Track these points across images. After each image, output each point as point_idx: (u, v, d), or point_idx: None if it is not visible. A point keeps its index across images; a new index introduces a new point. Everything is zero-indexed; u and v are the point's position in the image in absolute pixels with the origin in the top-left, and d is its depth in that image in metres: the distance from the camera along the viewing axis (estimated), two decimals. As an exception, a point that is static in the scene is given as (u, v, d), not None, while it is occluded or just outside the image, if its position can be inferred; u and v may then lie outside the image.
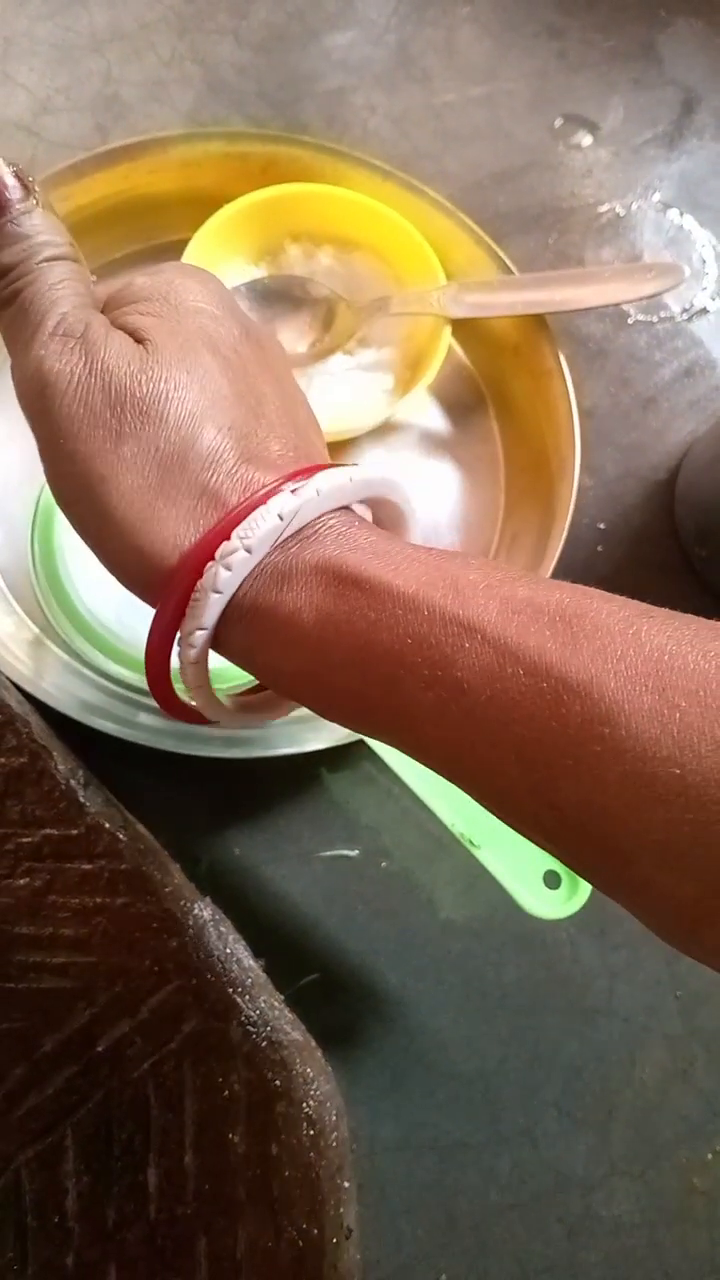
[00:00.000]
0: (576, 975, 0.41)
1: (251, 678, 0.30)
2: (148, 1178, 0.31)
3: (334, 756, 0.42)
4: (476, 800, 0.23)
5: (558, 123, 0.55)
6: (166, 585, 0.23)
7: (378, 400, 0.45)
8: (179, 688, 0.26)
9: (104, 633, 0.38)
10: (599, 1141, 0.39)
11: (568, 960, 0.41)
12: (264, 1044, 0.33)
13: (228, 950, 0.34)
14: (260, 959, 0.36)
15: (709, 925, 0.19)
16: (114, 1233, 0.31)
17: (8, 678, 0.37)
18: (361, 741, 0.38)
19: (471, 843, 0.37)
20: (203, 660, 0.24)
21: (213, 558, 0.22)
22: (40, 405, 0.24)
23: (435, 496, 0.46)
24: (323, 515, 0.24)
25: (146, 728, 0.38)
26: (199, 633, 0.23)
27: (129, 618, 0.39)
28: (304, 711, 0.41)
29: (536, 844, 0.22)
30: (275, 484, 0.23)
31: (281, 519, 0.22)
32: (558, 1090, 0.40)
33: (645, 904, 0.20)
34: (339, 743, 0.39)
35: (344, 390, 0.44)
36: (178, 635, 0.24)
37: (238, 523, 0.22)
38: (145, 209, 0.46)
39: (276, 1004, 0.34)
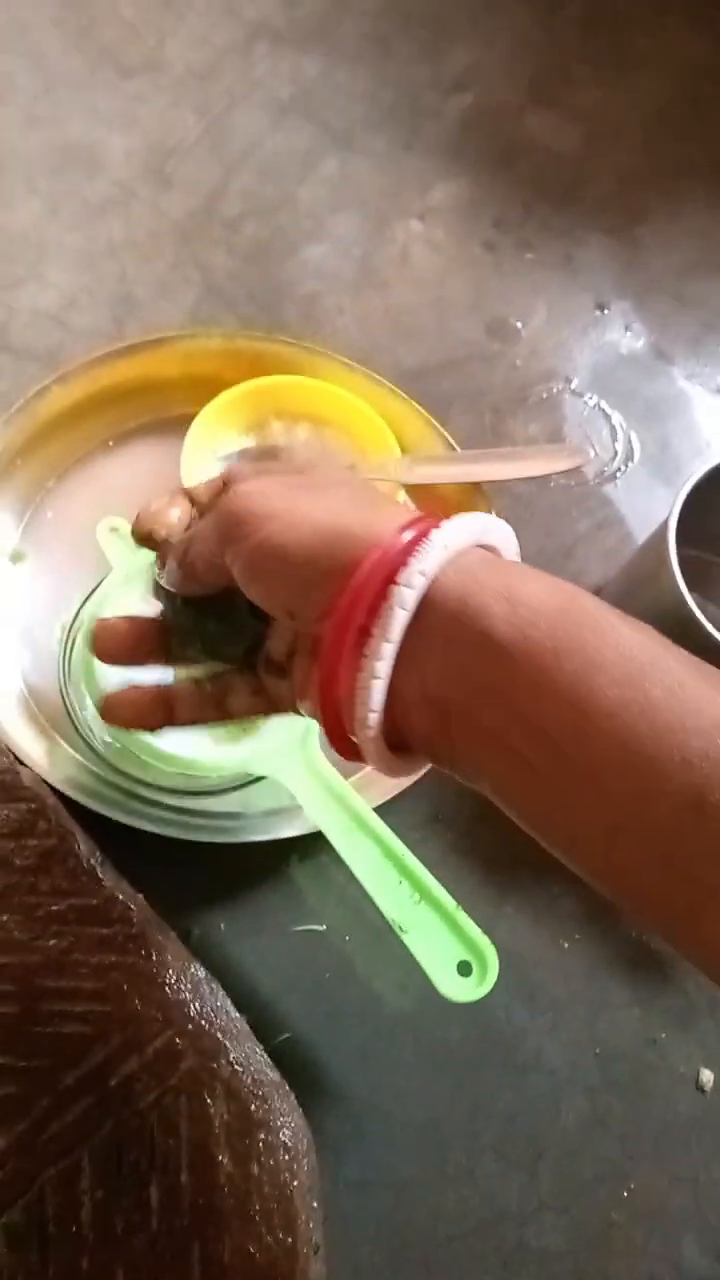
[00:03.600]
0: (510, 1035, 0.48)
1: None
2: (150, 1193, 0.37)
3: (304, 845, 0.50)
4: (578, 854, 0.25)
5: (492, 322, 0.67)
6: (358, 567, 0.26)
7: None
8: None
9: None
10: (530, 1180, 0.46)
11: (502, 1022, 0.48)
12: (248, 1081, 0.40)
13: (218, 1003, 0.41)
14: (243, 1015, 0.42)
15: None
16: (122, 1239, 0.37)
17: (37, 774, 0.44)
18: (321, 834, 0.45)
19: (400, 929, 0.42)
20: (385, 681, 0.26)
21: (396, 581, 0.25)
22: (241, 521, 0.29)
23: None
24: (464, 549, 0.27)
25: (150, 817, 0.46)
26: (386, 645, 0.25)
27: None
28: (279, 802, 0.49)
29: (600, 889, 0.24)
30: (427, 526, 0.27)
31: (446, 549, 0.26)
32: (495, 1135, 0.46)
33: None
34: (307, 832, 0.47)
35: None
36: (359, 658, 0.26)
37: (410, 554, 0.25)
38: (154, 389, 0.56)
39: (258, 1050, 0.41)
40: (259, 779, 0.48)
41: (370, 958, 0.49)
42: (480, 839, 0.51)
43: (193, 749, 0.47)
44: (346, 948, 0.49)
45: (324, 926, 0.49)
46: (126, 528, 0.42)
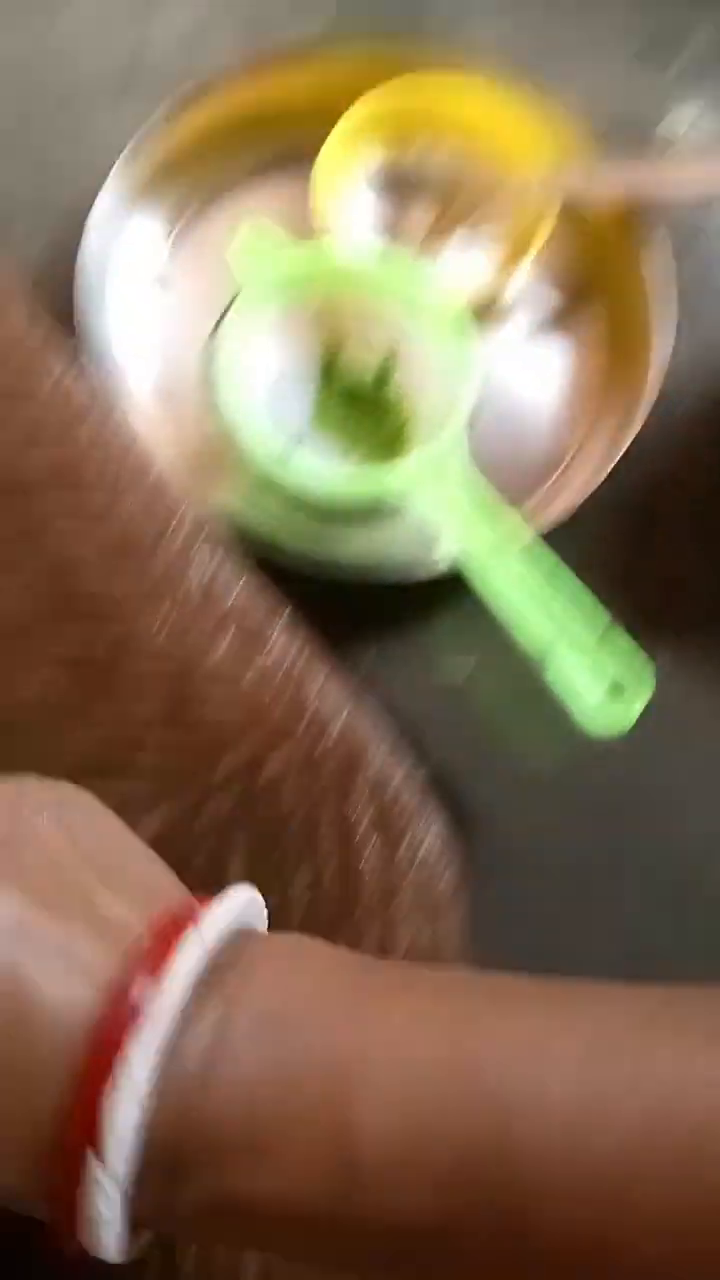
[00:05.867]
0: (658, 787, 0.47)
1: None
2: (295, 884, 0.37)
3: (444, 593, 0.46)
4: None
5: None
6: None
7: (489, 273, 0.51)
8: None
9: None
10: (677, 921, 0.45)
11: (650, 773, 0.46)
12: (394, 788, 0.39)
13: (367, 713, 0.40)
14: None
15: None
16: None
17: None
18: (465, 584, 0.43)
19: (545, 657, 0.41)
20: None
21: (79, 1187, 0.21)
22: None
23: (535, 376, 0.51)
24: None
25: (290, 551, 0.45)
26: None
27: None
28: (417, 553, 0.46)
29: None
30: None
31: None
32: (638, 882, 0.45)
33: None
34: (449, 573, 0.44)
35: (461, 264, 0.50)
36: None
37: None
38: (292, 114, 0.52)
39: (404, 763, 0.40)
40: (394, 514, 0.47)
41: (512, 711, 0.47)
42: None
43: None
44: (487, 700, 0.47)
45: (467, 674, 0.47)
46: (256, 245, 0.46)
